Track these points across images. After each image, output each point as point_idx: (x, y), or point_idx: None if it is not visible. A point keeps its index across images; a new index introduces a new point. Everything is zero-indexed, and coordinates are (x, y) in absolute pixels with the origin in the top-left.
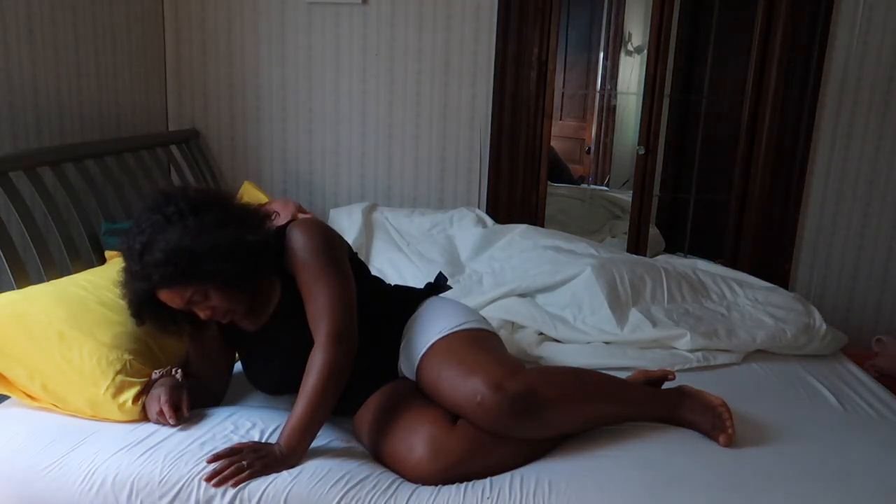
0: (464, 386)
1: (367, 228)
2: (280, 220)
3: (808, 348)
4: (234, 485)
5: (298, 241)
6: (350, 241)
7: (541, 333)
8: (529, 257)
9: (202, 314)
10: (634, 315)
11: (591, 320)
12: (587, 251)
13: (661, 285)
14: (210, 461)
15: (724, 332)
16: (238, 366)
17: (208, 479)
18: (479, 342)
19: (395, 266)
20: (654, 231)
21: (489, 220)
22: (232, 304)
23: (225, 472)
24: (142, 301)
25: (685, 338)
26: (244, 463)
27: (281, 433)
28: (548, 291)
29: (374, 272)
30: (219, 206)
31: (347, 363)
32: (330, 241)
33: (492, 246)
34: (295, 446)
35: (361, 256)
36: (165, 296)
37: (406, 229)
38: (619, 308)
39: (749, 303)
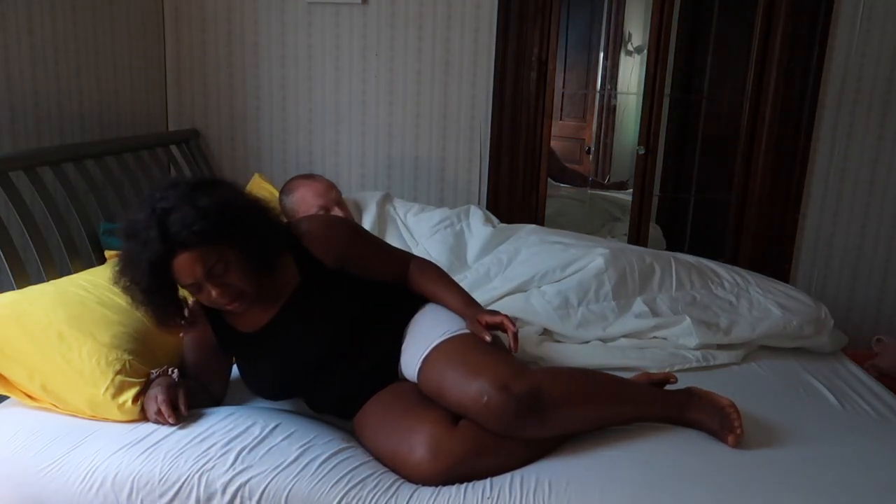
0: (469, 387)
1: (381, 222)
2: (313, 208)
3: (814, 340)
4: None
5: (339, 225)
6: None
7: (543, 332)
8: (537, 251)
9: (215, 291)
10: (638, 305)
11: (595, 307)
12: (597, 245)
13: (669, 273)
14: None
15: (727, 325)
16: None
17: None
18: (482, 344)
19: None
20: (655, 231)
21: (495, 220)
22: (247, 282)
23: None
24: (155, 269)
25: (685, 321)
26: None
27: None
28: (556, 282)
29: None
30: (235, 183)
31: None
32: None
33: (500, 244)
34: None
35: None
36: (186, 262)
37: (413, 226)
38: (624, 297)
39: (759, 291)
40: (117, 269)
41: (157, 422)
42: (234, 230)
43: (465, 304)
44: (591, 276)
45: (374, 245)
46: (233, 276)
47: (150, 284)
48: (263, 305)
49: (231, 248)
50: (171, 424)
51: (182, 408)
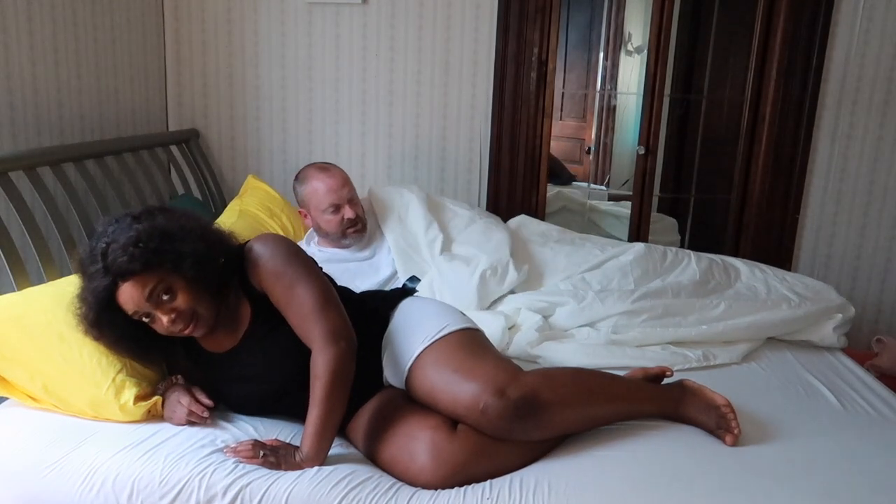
0: (464, 394)
1: (434, 209)
2: (323, 204)
3: (820, 323)
4: (242, 460)
5: (264, 252)
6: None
7: (546, 317)
8: (571, 251)
9: (165, 318)
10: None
11: (615, 291)
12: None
13: (689, 266)
14: (235, 445)
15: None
16: None
17: (225, 449)
18: (469, 344)
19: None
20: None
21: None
22: (198, 305)
23: (241, 450)
24: (101, 302)
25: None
26: (262, 452)
27: (301, 441)
28: (585, 272)
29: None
30: (183, 210)
31: (350, 359)
32: (296, 248)
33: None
34: (314, 453)
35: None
36: (128, 291)
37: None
38: (644, 287)
39: (777, 281)
40: (77, 310)
41: (190, 423)
42: (170, 253)
43: (308, 435)
44: (615, 268)
45: (293, 301)
46: (179, 300)
47: (98, 317)
48: (226, 330)
49: (172, 272)
50: (206, 419)
51: (206, 400)
